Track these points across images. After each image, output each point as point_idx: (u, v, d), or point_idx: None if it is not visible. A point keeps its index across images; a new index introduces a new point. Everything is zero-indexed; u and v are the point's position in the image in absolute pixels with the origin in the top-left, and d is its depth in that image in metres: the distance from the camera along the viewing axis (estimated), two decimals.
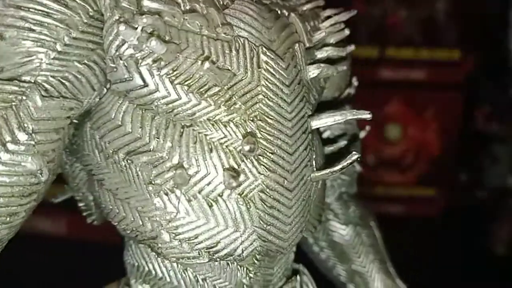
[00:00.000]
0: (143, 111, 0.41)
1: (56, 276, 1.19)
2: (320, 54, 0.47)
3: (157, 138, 0.41)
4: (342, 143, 0.52)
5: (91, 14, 0.40)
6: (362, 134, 0.58)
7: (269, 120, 0.43)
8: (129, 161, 0.42)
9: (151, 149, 0.41)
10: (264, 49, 0.43)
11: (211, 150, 0.41)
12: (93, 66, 0.40)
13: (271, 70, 0.43)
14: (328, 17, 0.49)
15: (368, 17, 1.70)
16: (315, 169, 0.45)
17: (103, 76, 0.41)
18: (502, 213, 1.54)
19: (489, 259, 1.44)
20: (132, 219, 0.43)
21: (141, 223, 0.43)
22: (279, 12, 0.46)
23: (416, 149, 1.73)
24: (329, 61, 0.48)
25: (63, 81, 0.39)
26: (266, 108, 0.43)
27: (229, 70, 0.41)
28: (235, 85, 0.41)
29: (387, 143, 1.74)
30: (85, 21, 0.40)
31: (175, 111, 0.41)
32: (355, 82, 0.57)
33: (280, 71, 0.43)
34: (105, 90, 0.42)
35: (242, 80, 0.42)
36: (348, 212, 0.61)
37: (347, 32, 0.49)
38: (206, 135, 0.41)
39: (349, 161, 0.44)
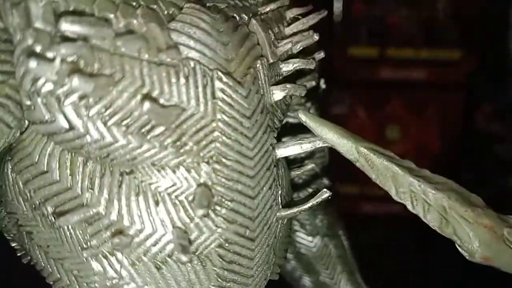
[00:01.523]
0: (72, 154, 0.35)
1: None
2: (286, 67, 0.41)
3: (91, 189, 0.34)
4: (310, 166, 0.47)
5: None
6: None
7: (227, 162, 0.36)
8: (59, 217, 0.34)
9: (84, 203, 0.34)
10: (219, 73, 0.35)
11: (157, 203, 0.34)
12: (6, 102, 0.33)
13: (229, 100, 0.36)
14: (295, 18, 0.43)
15: (368, 17, 1.70)
16: (280, 207, 0.40)
17: (20, 110, 0.34)
18: (503, 213, 1.53)
19: None
20: (68, 282, 0.36)
21: None
22: (237, 18, 0.38)
23: (416, 149, 1.72)
24: (292, 73, 0.42)
25: None
26: (223, 147, 0.36)
27: (175, 106, 0.34)
28: (185, 122, 0.34)
29: (387, 143, 1.73)
30: None
31: (111, 155, 0.34)
32: (323, 84, 0.53)
33: (240, 100, 0.36)
34: (26, 123, 0.35)
35: (194, 115, 0.34)
36: (315, 222, 0.58)
37: (316, 37, 0.42)
38: (150, 184, 0.34)
39: (319, 200, 0.39)
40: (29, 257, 0.39)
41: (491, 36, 1.68)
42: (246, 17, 0.39)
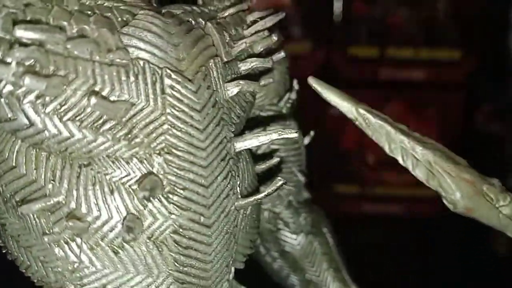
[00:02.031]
0: (37, 150, 0.37)
1: None
2: (244, 66, 0.43)
3: (53, 181, 0.37)
4: (274, 160, 0.49)
5: None
6: (306, 141, 0.56)
7: (178, 153, 0.38)
8: (22, 205, 0.38)
9: (47, 194, 0.37)
10: (168, 71, 0.38)
11: (111, 192, 0.37)
12: None
13: (178, 95, 0.38)
14: (254, 22, 0.45)
15: (368, 17, 1.70)
16: (239, 197, 0.42)
17: None
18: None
19: (490, 259, 1.44)
20: (36, 268, 0.39)
21: (44, 273, 0.39)
22: (193, 22, 0.41)
23: None
24: (255, 73, 0.45)
25: None
26: (173, 139, 0.38)
27: (124, 101, 0.36)
28: (135, 116, 0.37)
29: None
30: None
31: (69, 149, 0.37)
32: (296, 85, 0.55)
33: (189, 95, 0.39)
34: None
35: (143, 109, 0.37)
36: (299, 221, 0.59)
37: (274, 38, 0.45)
38: (106, 174, 0.37)
39: (274, 188, 0.41)
40: (6, 250, 0.43)
41: (491, 36, 1.68)
42: (203, 21, 0.42)
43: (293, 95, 0.55)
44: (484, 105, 1.73)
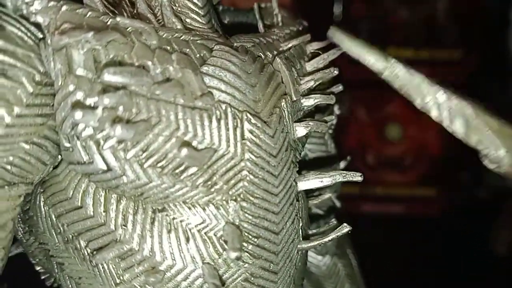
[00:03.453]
0: (107, 191, 0.36)
1: None
2: (307, 102, 0.42)
3: (124, 226, 0.36)
4: (327, 195, 0.48)
5: (37, 80, 0.33)
6: (342, 165, 0.54)
7: (254, 200, 0.37)
8: (93, 252, 0.36)
9: (118, 239, 0.36)
10: (248, 115, 0.37)
11: (187, 240, 0.36)
12: (44, 143, 0.35)
13: (257, 140, 0.37)
14: (315, 54, 0.44)
15: (368, 17, 1.70)
16: (301, 239, 0.41)
17: (56, 149, 0.35)
18: (503, 213, 1.53)
19: (490, 259, 1.44)
20: None
21: None
22: (263, 57, 0.40)
23: (417, 149, 1.72)
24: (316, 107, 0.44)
25: (8, 166, 0.34)
26: (250, 186, 0.37)
27: (209, 148, 0.35)
28: (216, 162, 0.36)
29: (387, 143, 1.73)
30: (31, 90, 0.33)
31: (145, 194, 0.35)
32: (337, 110, 0.53)
33: (267, 140, 0.38)
34: (59, 158, 0.36)
35: (224, 155, 0.36)
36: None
37: (335, 72, 0.43)
38: (181, 221, 0.36)
39: (339, 234, 0.41)
40: (54, 282, 0.41)
41: (491, 36, 1.68)
42: (271, 55, 0.40)
43: (334, 120, 0.52)
44: (484, 105, 1.73)
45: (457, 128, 0.38)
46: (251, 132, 0.37)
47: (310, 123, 0.41)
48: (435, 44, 1.69)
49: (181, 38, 0.37)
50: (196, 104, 0.35)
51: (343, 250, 0.59)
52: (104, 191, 0.36)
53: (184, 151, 0.34)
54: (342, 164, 0.54)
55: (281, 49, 0.42)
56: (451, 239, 1.50)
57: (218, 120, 0.36)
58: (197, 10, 0.40)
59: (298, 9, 1.77)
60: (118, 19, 0.34)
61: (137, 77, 0.34)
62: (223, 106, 0.36)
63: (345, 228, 0.41)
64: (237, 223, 0.37)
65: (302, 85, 0.42)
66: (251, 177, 0.37)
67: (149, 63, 0.34)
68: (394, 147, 1.73)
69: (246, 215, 0.37)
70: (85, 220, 0.36)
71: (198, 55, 0.37)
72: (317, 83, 0.43)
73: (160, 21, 0.38)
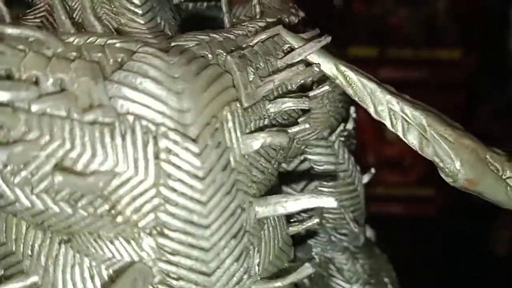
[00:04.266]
0: (18, 218, 0.32)
1: None
2: (274, 108, 0.36)
3: (30, 256, 0.32)
4: (315, 221, 0.40)
5: None
6: (366, 179, 0.48)
7: (172, 234, 0.31)
8: (2, 281, 0.33)
9: (24, 270, 0.32)
10: (164, 129, 0.30)
11: (92, 278, 0.32)
12: None
13: (175, 160, 0.31)
14: (292, 48, 0.38)
15: (368, 17, 1.70)
16: (258, 279, 0.34)
17: None
18: (503, 213, 1.53)
19: (490, 259, 1.44)
20: None
21: None
22: (210, 57, 0.33)
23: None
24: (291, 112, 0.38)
25: None
26: (166, 216, 0.31)
27: (106, 171, 0.30)
28: (120, 188, 0.30)
29: (387, 143, 1.73)
30: None
31: (46, 223, 0.31)
32: (353, 114, 0.46)
33: (190, 159, 0.31)
34: None
35: (130, 179, 0.30)
36: (355, 268, 0.50)
37: (315, 69, 0.37)
38: (87, 255, 0.32)
39: (299, 277, 0.34)
40: None
41: (491, 36, 1.68)
42: (224, 53, 0.34)
43: (350, 125, 0.46)
44: (484, 105, 1.73)
45: (411, 140, 0.36)
46: (167, 150, 0.31)
47: (262, 134, 0.34)
48: (435, 44, 1.68)
49: (96, 42, 0.32)
50: (95, 118, 0.30)
51: (378, 279, 0.51)
52: (15, 218, 0.33)
53: (58, 177, 0.29)
54: (366, 178, 0.48)
55: (244, 45, 0.36)
56: (451, 239, 1.50)
57: (123, 136, 0.30)
58: (133, 9, 0.36)
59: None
60: (8, 29, 0.30)
61: (22, 91, 0.29)
62: (130, 118, 0.30)
63: (307, 270, 0.34)
64: (150, 263, 0.31)
65: (260, 87, 0.35)
66: (167, 206, 0.31)
67: (40, 74, 0.30)
68: (394, 147, 1.73)
69: (163, 252, 0.31)
70: (1, 246, 0.34)
71: (112, 60, 0.31)
72: (291, 81, 0.37)
73: (79, 25, 0.35)
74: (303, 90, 0.39)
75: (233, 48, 0.35)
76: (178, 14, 0.41)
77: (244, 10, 0.45)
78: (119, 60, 0.31)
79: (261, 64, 0.36)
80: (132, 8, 0.36)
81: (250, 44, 0.36)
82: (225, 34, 0.36)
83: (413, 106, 0.36)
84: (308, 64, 0.37)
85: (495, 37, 1.71)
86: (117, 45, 0.32)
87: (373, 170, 0.49)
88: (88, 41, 0.32)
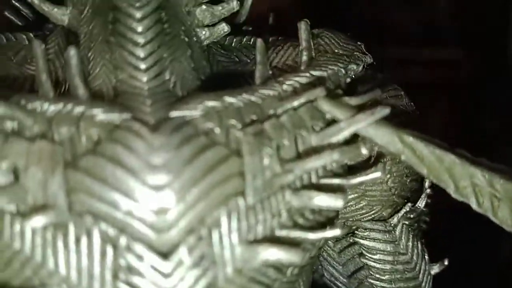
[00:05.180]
0: None
1: None
2: (296, 202, 0.26)
3: None
4: None
5: None
6: (436, 270, 0.39)
7: None
8: None
9: None
10: (125, 238, 0.24)
11: None
12: None
13: (138, 282, 0.25)
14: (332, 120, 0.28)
15: (368, 17, 1.70)
16: None
17: None
18: None
19: (491, 260, 1.43)
20: None
21: None
22: (217, 131, 0.26)
23: None
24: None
25: None
26: None
27: (56, 284, 0.24)
28: None
29: None
30: None
31: None
32: (428, 190, 0.38)
33: (158, 283, 0.24)
34: None
35: None
36: None
37: (363, 151, 0.28)
38: None
39: None
40: None
41: (491, 36, 1.67)
42: (239, 125, 0.26)
43: (421, 203, 0.38)
44: (485, 105, 1.73)
45: (505, 218, 0.30)
46: (128, 268, 0.24)
47: (270, 248, 0.24)
48: (435, 44, 1.68)
49: (73, 112, 0.26)
50: (45, 220, 0.24)
51: None
52: None
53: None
54: (436, 269, 0.37)
55: (271, 113, 0.27)
56: (451, 239, 1.50)
57: (77, 243, 0.24)
58: (135, 63, 0.29)
59: (298, 10, 1.77)
60: None
61: None
62: (88, 221, 0.24)
63: None
64: None
65: (277, 176, 0.26)
66: None
67: None
68: None
69: None
70: None
71: (85, 138, 0.25)
72: (317, 170, 0.27)
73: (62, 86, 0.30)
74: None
75: (254, 118, 0.27)
76: (208, 59, 0.33)
77: (288, 52, 0.36)
78: (95, 138, 0.26)
79: (285, 141, 0.27)
80: (134, 61, 0.29)
81: (277, 113, 0.28)
82: (249, 96, 0.28)
83: (503, 176, 0.29)
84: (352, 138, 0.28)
85: (495, 37, 1.71)
86: (97, 117, 0.26)
87: (446, 262, 0.37)
88: (63, 111, 0.26)
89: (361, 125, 0.28)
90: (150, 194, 0.24)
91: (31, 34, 0.36)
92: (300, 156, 0.27)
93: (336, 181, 0.28)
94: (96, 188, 0.24)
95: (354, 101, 0.30)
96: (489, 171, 0.29)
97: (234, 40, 0.38)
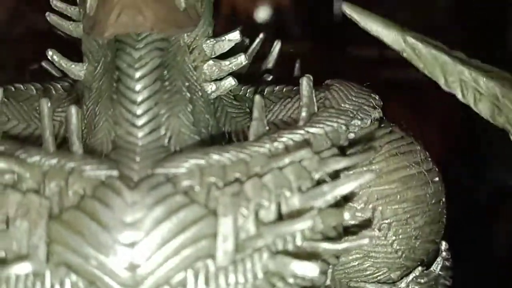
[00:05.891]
0: None
1: None
2: (273, 265, 0.26)
3: None
4: None
5: None
6: None
7: None
8: None
9: None
10: None
11: None
12: None
13: None
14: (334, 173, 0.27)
15: None
16: None
17: None
18: (503, 213, 1.53)
19: (490, 260, 1.44)
20: None
21: None
22: (197, 189, 0.26)
23: None
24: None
25: None
26: None
27: None
28: None
29: None
30: None
31: None
32: (444, 252, 0.35)
33: None
34: None
35: None
36: None
37: (346, 217, 0.28)
38: None
39: None
40: None
41: (492, 36, 1.67)
42: (221, 184, 0.26)
43: (437, 267, 0.36)
44: None
45: (483, 110, 0.35)
46: None
47: None
48: None
49: (65, 166, 0.28)
50: (24, 272, 0.26)
51: None
52: None
53: None
54: None
55: (255, 172, 0.27)
56: (451, 239, 1.50)
57: None
58: (131, 119, 0.31)
59: (297, 9, 1.77)
60: None
61: None
62: (62, 272, 0.26)
63: None
64: None
65: (251, 238, 0.25)
66: None
67: None
68: None
69: None
70: None
71: (72, 192, 0.27)
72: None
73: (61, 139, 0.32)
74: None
75: (237, 176, 0.27)
76: (214, 112, 0.34)
77: (296, 105, 0.34)
78: (81, 193, 0.28)
79: (265, 202, 0.27)
80: (130, 118, 0.31)
81: (261, 171, 0.27)
82: (237, 153, 0.28)
83: (487, 74, 0.34)
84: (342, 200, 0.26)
85: (497, 36, 1.71)
86: (85, 173, 0.28)
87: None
88: (57, 166, 0.28)
89: (344, 191, 0.27)
90: (121, 250, 0.26)
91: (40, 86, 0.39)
92: (282, 217, 0.27)
93: (323, 245, 0.27)
94: (73, 241, 0.26)
95: (343, 163, 0.29)
96: (476, 70, 0.33)
97: (248, 90, 0.39)
